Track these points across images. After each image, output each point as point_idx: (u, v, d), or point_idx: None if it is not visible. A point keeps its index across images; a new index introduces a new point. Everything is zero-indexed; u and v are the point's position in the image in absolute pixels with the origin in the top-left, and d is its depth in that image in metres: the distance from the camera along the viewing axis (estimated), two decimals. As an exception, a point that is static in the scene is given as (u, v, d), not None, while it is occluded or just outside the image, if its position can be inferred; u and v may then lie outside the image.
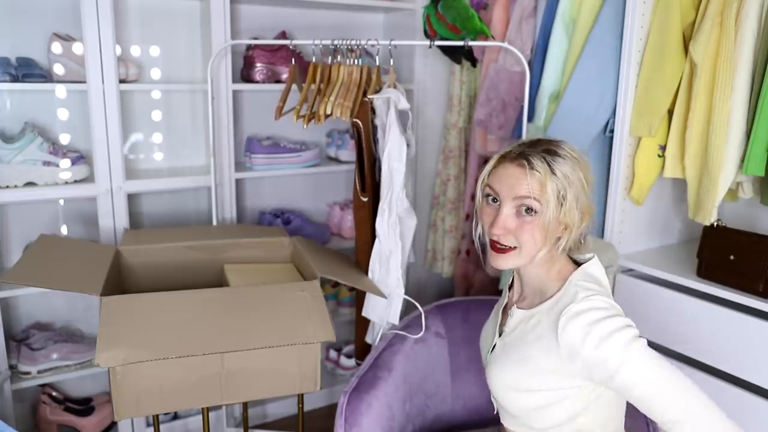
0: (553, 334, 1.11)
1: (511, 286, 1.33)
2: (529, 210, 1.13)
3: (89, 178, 2.02)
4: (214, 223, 2.15)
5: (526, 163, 1.13)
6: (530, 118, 1.96)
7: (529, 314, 1.20)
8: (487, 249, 1.21)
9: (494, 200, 1.18)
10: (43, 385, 2.10)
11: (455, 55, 2.31)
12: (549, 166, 1.12)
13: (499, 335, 1.28)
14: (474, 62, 2.31)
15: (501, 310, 1.34)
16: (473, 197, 1.63)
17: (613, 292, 1.81)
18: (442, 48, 2.25)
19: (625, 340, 1.06)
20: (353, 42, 1.82)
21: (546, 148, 1.15)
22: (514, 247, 1.15)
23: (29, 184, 1.93)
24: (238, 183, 2.29)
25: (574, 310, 1.10)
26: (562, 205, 1.13)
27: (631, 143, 1.76)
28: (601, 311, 1.09)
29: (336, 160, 2.50)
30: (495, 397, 1.28)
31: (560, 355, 1.11)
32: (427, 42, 1.93)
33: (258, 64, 2.23)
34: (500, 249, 1.16)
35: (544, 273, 1.20)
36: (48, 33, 1.95)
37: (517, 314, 1.24)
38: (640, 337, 1.09)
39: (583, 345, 1.07)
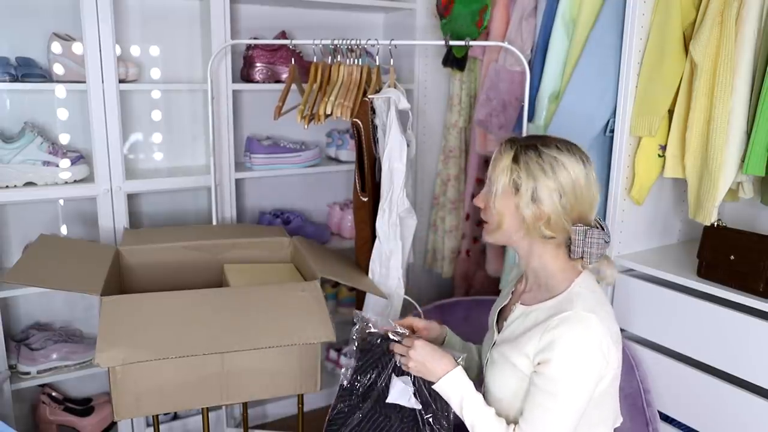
0: (542, 327, 1.16)
1: (518, 284, 1.37)
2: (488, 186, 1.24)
3: (89, 178, 2.02)
4: (214, 223, 2.15)
5: (500, 147, 1.23)
6: (530, 118, 1.96)
7: (529, 310, 1.24)
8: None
9: None
10: (42, 386, 2.10)
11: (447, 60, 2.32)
12: (514, 152, 1.19)
13: (498, 332, 1.32)
14: (462, 66, 2.32)
15: (498, 310, 1.37)
16: (473, 197, 1.66)
17: (612, 293, 1.82)
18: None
19: (574, 373, 1.12)
20: (353, 42, 1.82)
21: (533, 142, 1.20)
22: (487, 222, 1.27)
23: (29, 184, 1.93)
24: (238, 183, 2.29)
25: (570, 317, 1.14)
26: (515, 192, 1.18)
27: (632, 143, 1.75)
28: (590, 335, 1.13)
29: (336, 160, 2.50)
30: (486, 386, 1.29)
31: (536, 348, 1.16)
32: (427, 42, 1.93)
33: (258, 64, 2.23)
34: (482, 222, 1.30)
35: (548, 265, 1.23)
36: (48, 33, 1.95)
37: (518, 309, 1.27)
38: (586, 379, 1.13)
39: (552, 336, 1.13)
